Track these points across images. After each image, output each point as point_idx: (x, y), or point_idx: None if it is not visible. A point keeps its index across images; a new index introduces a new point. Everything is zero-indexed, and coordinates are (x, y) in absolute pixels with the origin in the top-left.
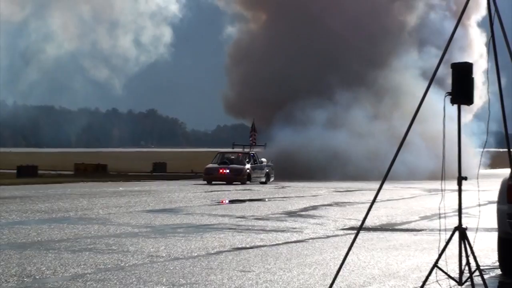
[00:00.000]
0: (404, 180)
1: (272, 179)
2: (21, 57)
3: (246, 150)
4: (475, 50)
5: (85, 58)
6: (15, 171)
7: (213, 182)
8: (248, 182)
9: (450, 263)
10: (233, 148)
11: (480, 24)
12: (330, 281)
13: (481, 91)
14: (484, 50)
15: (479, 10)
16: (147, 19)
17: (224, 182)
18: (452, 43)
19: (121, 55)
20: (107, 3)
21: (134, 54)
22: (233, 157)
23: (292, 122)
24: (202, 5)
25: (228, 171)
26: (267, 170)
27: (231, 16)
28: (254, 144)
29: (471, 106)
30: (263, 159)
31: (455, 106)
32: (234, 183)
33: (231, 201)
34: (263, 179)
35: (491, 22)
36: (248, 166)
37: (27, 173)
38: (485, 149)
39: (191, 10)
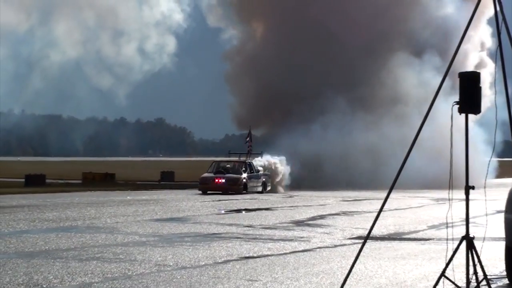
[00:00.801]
0: (412, 189)
1: (268, 188)
2: (27, 66)
3: (242, 158)
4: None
5: (90, 66)
6: (23, 180)
7: (208, 192)
8: (244, 192)
9: (458, 272)
10: (228, 156)
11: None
12: None
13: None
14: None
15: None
16: (151, 28)
17: (220, 192)
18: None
19: (126, 64)
20: (112, 12)
21: (139, 62)
22: (229, 166)
23: (300, 128)
24: (206, 14)
25: (223, 180)
26: (264, 179)
27: (232, 24)
28: (250, 152)
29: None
30: (260, 168)
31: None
32: (230, 192)
33: (238, 210)
34: (260, 189)
35: (499, 31)
36: (244, 175)
37: (35, 182)
38: (493, 158)
39: (195, 20)
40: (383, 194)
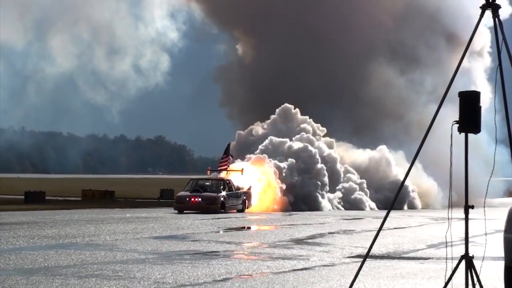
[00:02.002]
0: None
1: (251, 207)
2: (26, 82)
3: (222, 176)
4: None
5: (87, 83)
6: (22, 197)
7: (184, 211)
8: (222, 211)
9: None
10: (209, 173)
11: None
12: None
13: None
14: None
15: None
16: (147, 45)
17: (197, 212)
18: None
19: (122, 81)
20: (108, 29)
21: (136, 79)
22: (207, 183)
23: None
24: (201, 31)
25: (200, 199)
26: (245, 198)
27: (225, 39)
28: (226, 169)
29: None
30: (241, 186)
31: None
32: (208, 211)
33: (237, 228)
34: (240, 207)
35: (499, 50)
36: (223, 193)
37: (35, 199)
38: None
39: (189, 38)
40: (383, 213)
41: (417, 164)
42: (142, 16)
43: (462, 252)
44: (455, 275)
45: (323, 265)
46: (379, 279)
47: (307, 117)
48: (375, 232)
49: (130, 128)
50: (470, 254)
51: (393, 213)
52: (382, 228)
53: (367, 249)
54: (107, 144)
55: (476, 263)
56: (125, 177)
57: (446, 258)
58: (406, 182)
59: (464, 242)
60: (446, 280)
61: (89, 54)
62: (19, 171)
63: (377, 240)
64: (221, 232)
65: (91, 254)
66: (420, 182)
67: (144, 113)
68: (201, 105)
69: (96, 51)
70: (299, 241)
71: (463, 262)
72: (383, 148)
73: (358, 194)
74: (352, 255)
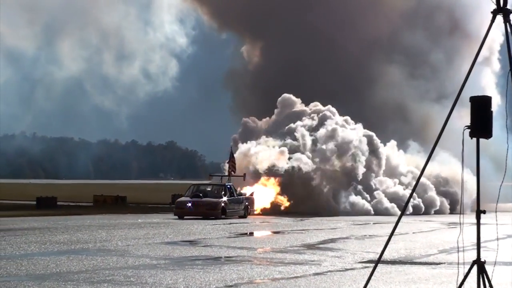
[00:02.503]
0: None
1: (253, 212)
2: (36, 87)
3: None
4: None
5: (96, 88)
6: (34, 202)
7: (185, 217)
8: (223, 217)
9: None
10: (210, 179)
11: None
12: None
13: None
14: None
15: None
16: (156, 50)
17: (199, 217)
18: None
19: (131, 85)
20: (117, 35)
21: (144, 85)
22: (209, 189)
23: None
24: (209, 36)
25: (200, 205)
26: (247, 203)
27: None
28: (232, 174)
29: None
30: (243, 191)
31: None
32: (210, 217)
33: (248, 234)
34: (242, 213)
35: (510, 55)
36: (224, 199)
37: (46, 204)
38: None
39: (198, 43)
40: (394, 218)
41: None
42: (151, 21)
43: (474, 257)
44: (467, 280)
45: (335, 270)
46: (390, 284)
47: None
48: (386, 237)
49: (140, 133)
50: (482, 259)
51: (404, 218)
52: (394, 233)
53: (378, 254)
54: (118, 150)
55: (488, 268)
56: (137, 182)
57: (458, 263)
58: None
59: (476, 247)
60: (458, 285)
61: (98, 59)
62: (31, 177)
63: (388, 245)
64: (231, 237)
65: (102, 259)
66: None
67: (155, 118)
68: (211, 110)
69: (105, 56)
70: (310, 246)
71: (475, 267)
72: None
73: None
74: (364, 260)
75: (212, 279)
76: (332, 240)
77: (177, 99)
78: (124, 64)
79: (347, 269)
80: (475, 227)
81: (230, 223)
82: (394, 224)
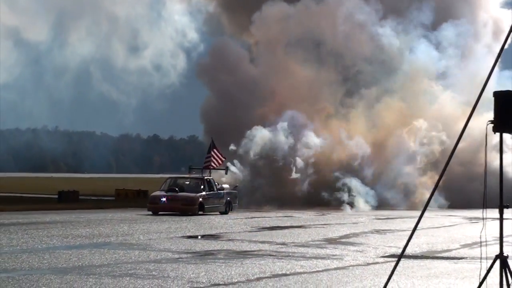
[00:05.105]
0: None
1: (236, 208)
2: (55, 82)
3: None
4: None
5: (110, 81)
6: (56, 196)
7: (159, 213)
8: (200, 213)
9: None
10: (189, 172)
11: None
12: None
13: None
14: None
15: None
16: (168, 43)
17: (174, 213)
18: None
19: (147, 79)
20: (131, 29)
21: (160, 78)
22: (187, 182)
23: None
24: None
25: (175, 199)
26: (228, 198)
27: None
28: (212, 167)
29: None
30: (225, 185)
31: None
32: (186, 213)
33: (270, 228)
34: (222, 209)
35: None
36: (203, 193)
37: (68, 198)
38: None
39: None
40: (417, 213)
41: None
42: (162, 15)
43: (497, 251)
44: (489, 275)
45: (357, 265)
46: (412, 278)
47: None
48: (408, 232)
49: (162, 127)
50: (505, 254)
51: (427, 213)
52: (416, 228)
53: (400, 249)
54: (140, 144)
55: (511, 262)
56: (158, 176)
57: (481, 258)
58: None
59: (498, 241)
60: (481, 280)
61: (115, 52)
62: (53, 171)
63: (410, 240)
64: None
65: (124, 253)
66: None
67: (175, 113)
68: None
69: (122, 49)
70: (332, 241)
71: (497, 262)
72: None
73: None
74: (386, 254)
75: (234, 273)
76: (354, 235)
77: (195, 93)
78: (135, 56)
79: (369, 264)
80: (497, 221)
81: (252, 218)
82: (416, 219)
